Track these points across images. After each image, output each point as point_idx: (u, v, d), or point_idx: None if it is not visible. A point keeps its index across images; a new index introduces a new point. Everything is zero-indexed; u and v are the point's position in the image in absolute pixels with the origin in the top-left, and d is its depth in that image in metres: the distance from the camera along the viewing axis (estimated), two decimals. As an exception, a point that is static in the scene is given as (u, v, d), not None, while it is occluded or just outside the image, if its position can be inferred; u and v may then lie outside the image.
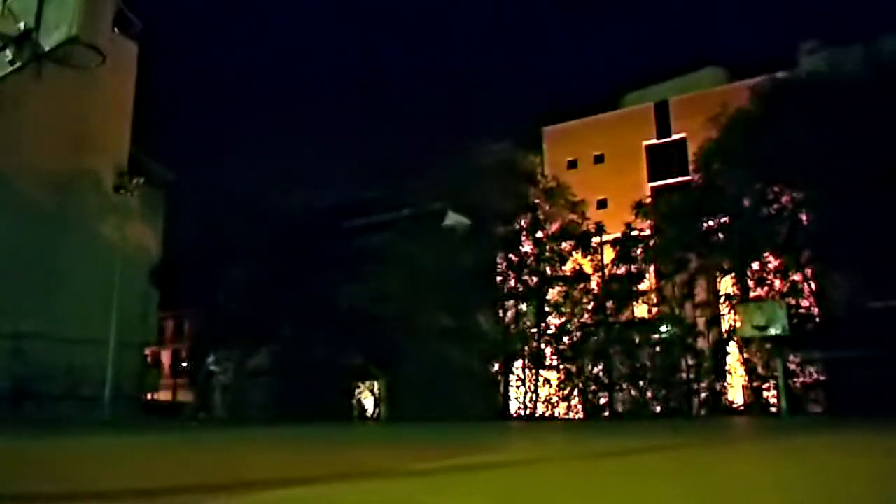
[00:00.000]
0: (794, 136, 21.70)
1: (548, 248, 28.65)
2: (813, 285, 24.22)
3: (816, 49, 28.43)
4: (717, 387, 25.27)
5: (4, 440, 11.84)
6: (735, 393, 25.65)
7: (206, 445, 10.53)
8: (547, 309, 28.20)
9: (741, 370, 24.94)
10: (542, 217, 29.12)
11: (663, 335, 26.40)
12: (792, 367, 23.46)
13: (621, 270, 27.50)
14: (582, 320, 27.73)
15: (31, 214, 28.38)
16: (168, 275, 33.92)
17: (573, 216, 28.69)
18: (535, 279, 28.64)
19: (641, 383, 26.11)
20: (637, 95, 37.77)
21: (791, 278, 24.27)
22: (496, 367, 28.31)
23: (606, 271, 28.08)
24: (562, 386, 27.47)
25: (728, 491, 4.17)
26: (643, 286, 27.39)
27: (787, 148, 22.02)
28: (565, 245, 28.49)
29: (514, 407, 28.17)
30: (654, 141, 36.08)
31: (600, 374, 27.16)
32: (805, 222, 24.33)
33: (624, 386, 26.67)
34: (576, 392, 27.34)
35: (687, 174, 30.25)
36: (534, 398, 27.70)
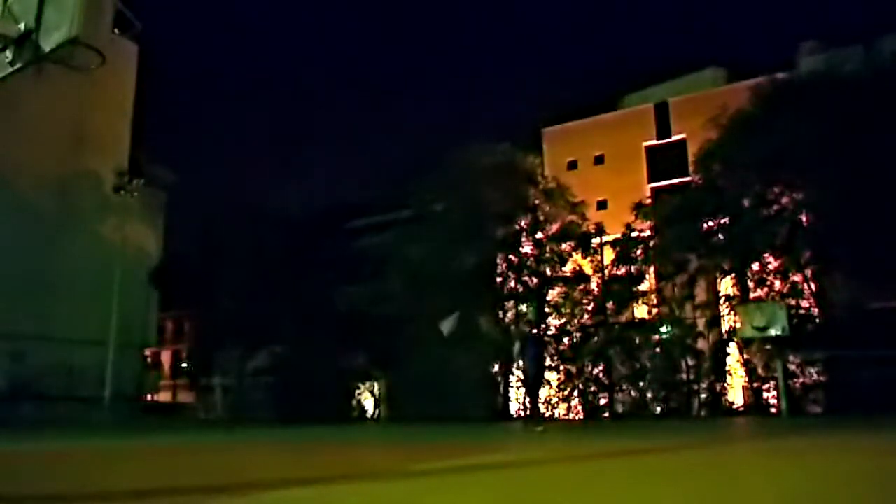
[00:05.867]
0: (794, 137, 21.67)
1: (548, 248, 28.59)
2: (813, 286, 24.18)
3: (816, 49, 28.42)
4: (718, 387, 25.20)
5: (4, 441, 11.84)
6: (735, 393, 25.61)
7: (205, 446, 10.53)
8: (547, 310, 28.15)
9: (741, 371, 24.90)
10: (542, 218, 29.06)
11: (663, 336, 26.35)
12: (792, 367, 23.39)
13: (621, 271, 27.43)
14: (582, 321, 27.68)
15: (31, 215, 28.41)
16: (168, 275, 33.93)
17: (573, 217, 28.62)
18: (535, 280, 28.59)
19: (641, 384, 26.05)
20: (637, 96, 37.80)
21: (791, 279, 24.21)
22: (496, 367, 28.26)
23: (606, 272, 28.02)
24: (562, 387, 27.41)
25: (729, 491, 4.16)
26: (643, 287, 27.32)
27: (787, 149, 21.99)
28: (565, 246, 28.42)
29: (514, 408, 28.12)
30: (654, 142, 36.08)
31: (600, 374, 27.10)
32: (805, 223, 24.29)
33: (624, 387, 26.61)
34: (576, 393, 27.31)
35: (687, 175, 30.21)
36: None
